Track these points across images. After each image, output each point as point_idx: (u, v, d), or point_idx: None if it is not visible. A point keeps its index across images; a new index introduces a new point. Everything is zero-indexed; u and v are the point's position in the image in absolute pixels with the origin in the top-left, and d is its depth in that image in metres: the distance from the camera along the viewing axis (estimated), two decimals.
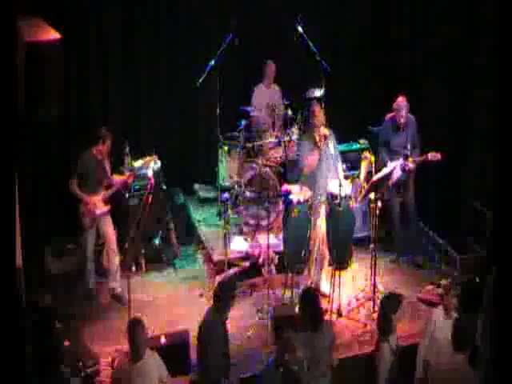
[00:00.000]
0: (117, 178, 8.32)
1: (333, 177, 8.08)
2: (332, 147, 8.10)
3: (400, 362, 6.36)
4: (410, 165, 8.66)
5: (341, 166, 8.29)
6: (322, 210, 8.14)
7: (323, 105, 8.39)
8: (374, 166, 8.17)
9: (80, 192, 8.05)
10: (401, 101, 8.67)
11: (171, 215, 9.16)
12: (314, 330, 6.35)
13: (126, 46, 9.39)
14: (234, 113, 9.57)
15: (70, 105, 8.75)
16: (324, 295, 8.02)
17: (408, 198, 8.95)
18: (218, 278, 8.17)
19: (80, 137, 8.65)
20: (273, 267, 8.59)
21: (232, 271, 8.44)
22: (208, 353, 6.40)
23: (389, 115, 8.86)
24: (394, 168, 8.38)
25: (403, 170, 8.66)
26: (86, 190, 8.08)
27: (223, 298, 6.51)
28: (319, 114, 8.06)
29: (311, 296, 6.61)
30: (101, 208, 8.12)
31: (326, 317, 7.63)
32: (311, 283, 8.22)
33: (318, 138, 7.97)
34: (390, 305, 6.43)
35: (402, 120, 8.68)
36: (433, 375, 6.20)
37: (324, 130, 7.98)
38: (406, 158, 8.66)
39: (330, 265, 8.20)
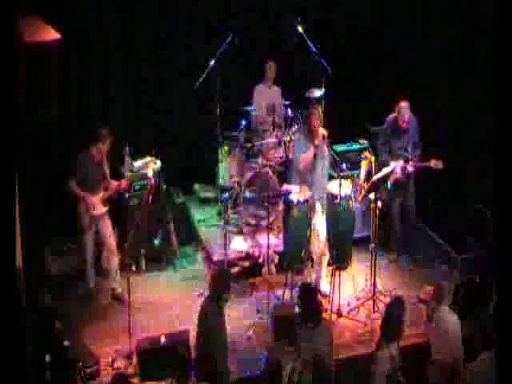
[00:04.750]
0: (112, 182, 8.30)
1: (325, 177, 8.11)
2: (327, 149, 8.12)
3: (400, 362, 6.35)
4: (410, 168, 8.66)
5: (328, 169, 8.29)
6: (319, 208, 8.13)
7: (323, 105, 8.39)
8: (374, 165, 8.18)
9: (80, 190, 8.05)
10: (403, 106, 8.60)
11: (171, 215, 9.16)
12: (312, 327, 6.36)
13: (126, 46, 9.39)
14: (234, 113, 9.57)
15: (70, 105, 8.74)
16: (324, 295, 8.04)
17: (408, 198, 8.94)
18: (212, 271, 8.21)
19: (80, 137, 8.65)
20: (273, 267, 8.60)
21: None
22: (210, 340, 6.46)
23: (390, 116, 8.80)
24: (394, 168, 8.40)
25: (403, 172, 8.66)
26: (85, 189, 8.06)
27: (218, 287, 6.59)
28: (317, 114, 8.06)
29: (309, 293, 6.62)
30: (100, 208, 8.12)
31: (325, 316, 7.66)
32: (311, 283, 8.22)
33: (314, 138, 7.97)
34: (401, 309, 6.37)
35: (404, 125, 8.63)
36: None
37: (322, 130, 7.98)
38: (406, 160, 8.65)
39: (329, 265, 8.21)
